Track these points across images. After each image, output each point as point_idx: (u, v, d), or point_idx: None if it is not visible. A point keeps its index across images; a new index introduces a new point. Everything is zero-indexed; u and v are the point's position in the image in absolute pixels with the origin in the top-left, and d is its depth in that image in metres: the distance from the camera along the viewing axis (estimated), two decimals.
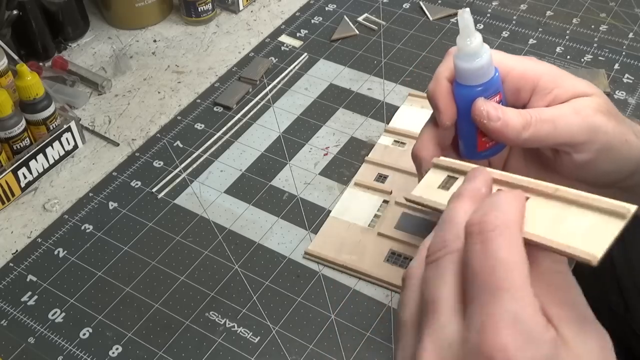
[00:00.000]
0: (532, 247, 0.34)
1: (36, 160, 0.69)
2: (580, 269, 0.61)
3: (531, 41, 0.83)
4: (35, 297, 0.59)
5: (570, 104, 0.48)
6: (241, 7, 0.91)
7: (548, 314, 0.33)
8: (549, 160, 0.51)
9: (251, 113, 0.76)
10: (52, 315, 0.58)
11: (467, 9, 0.46)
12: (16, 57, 0.72)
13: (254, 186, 0.68)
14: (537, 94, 0.49)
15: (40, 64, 0.81)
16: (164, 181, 0.69)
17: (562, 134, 0.47)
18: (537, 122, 0.47)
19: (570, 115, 0.47)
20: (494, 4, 0.89)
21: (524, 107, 0.49)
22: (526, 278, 0.32)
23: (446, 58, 0.51)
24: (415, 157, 0.50)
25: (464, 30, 0.46)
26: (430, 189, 0.45)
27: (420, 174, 0.50)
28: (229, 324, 0.57)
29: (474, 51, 0.46)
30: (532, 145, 0.48)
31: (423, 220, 0.62)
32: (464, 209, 0.37)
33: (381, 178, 0.67)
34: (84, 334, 0.57)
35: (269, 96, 0.77)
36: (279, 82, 0.79)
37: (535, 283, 0.32)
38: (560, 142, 0.48)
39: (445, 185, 0.45)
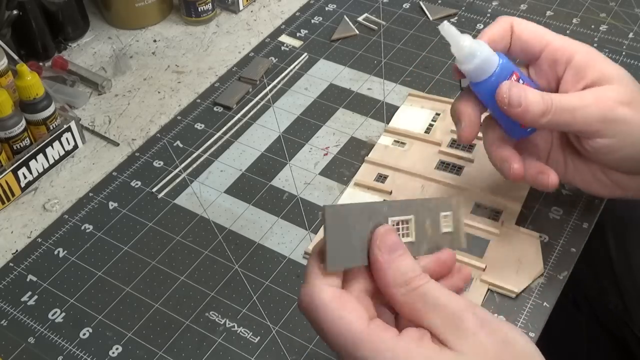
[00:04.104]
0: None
1: (36, 160, 0.69)
2: (579, 271, 0.61)
3: None
4: (35, 297, 0.59)
5: (593, 92, 0.50)
6: (241, 7, 0.91)
7: (422, 323, 0.39)
8: (578, 148, 0.54)
9: (251, 113, 0.76)
10: (52, 315, 0.58)
11: (445, 22, 0.50)
12: (16, 57, 0.72)
13: (254, 186, 0.68)
14: (571, 69, 0.52)
15: (40, 64, 0.81)
16: (164, 181, 0.69)
17: (579, 122, 0.50)
18: (557, 110, 0.49)
19: (590, 105, 0.50)
20: (494, 3, 0.89)
21: (558, 80, 0.53)
22: (346, 322, 0.38)
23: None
24: (455, 110, 0.54)
25: (451, 40, 0.50)
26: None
27: (459, 128, 0.53)
28: (229, 324, 0.57)
29: (469, 52, 0.50)
30: (551, 129, 0.53)
31: None
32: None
33: (381, 178, 0.67)
34: (84, 334, 0.57)
35: (269, 96, 0.77)
36: (279, 82, 0.79)
37: (406, 301, 0.39)
38: (577, 130, 0.51)
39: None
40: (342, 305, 0.38)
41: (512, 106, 0.49)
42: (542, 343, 0.53)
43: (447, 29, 0.49)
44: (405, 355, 0.36)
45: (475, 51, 0.49)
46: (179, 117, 0.76)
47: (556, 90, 0.53)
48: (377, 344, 0.37)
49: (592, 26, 0.85)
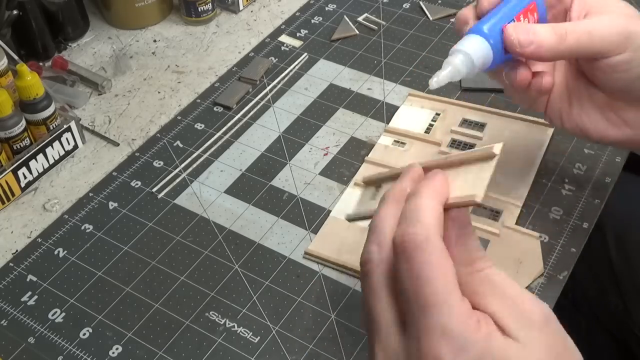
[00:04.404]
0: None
1: (36, 160, 0.69)
2: (579, 272, 0.61)
3: None
4: (35, 297, 0.59)
5: (604, 14, 0.51)
6: (241, 7, 0.91)
7: (484, 308, 0.36)
8: (591, 76, 0.53)
9: (251, 113, 0.76)
10: (52, 315, 0.58)
11: (432, 80, 0.50)
12: (16, 57, 0.72)
13: (254, 186, 0.68)
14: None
15: (40, 64, 0.81)
16: (164, 181, 0.69)
17: (596, 42, 0.50)
18: (572, 36, 0.49)
19: (605, 24, 0.50)
20: None
21: (566, 10, 0.53)
22: (452, 288, 0.35)
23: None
24: (459, 17, 0.54)
25: (451, 79, 0.50)
26: (365, 204, 0.48)
27: (459, 31, 0.54)
28: (229, 324, 0.57)
29: (468, 70, 0.50)
30: (570, 57, 0.52)
31: None
32: (389, 213, 0.39)
33: None
34: (84, 334, 0.57)
35: (269, 96, 0.77)
36: (279, 82, 0.79)
37: (468, 281, 0.36)
38: (596, 51, 0.50)
39: (374, 196, 0.48)
40: (451, 266, 0.36)
41: (524, 45, 0.49)
42: None
43: (441, 81, 0.50)
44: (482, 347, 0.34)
45: (470, 63, 0.49)
46: (179, 117, 0.76)
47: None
48: (462, 317, 0.35)
49: None
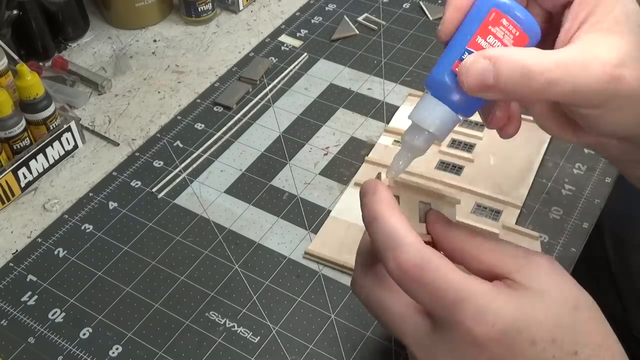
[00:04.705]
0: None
1: (36, 160, 0.69)
2: (577, 273, 0.61)
3: None
4: (35, 297, 0.59)
5: (590, 52, 0.36)
6: (241, 7, 0.91)
7: (500, 271, 0.39)
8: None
9: (251, 113, 0.76)
10: (52, 315, 0.58)
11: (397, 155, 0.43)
12: (16, 57, 0.72)
13: (254, 186, 0.68)
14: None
15: (40, 64, 0.81)
16: (164, 181, 0.69)
17: (580, 96, 0.37)
18: (549, 74, 0.35)
19: (584, 71, 0.36)
20: None
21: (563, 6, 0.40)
22: (391, 205, 0.40)
23: None
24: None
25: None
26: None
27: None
28: (229, 324, 0.57)
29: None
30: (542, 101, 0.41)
31: None
32: (365, 238, 0.44)
33: None
34: (84, 334, 0.57)
35: (269, 96, 0.77)
36: (279, 82, 0.79)
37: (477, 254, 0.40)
38: (578, 104, 0.38)
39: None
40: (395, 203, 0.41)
41: (475, 92, 0.37)
42: None
43: (400, 170, 0.42)
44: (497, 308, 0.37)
45: (429, 136, 0.40)
46: (179, 117, 0.76)
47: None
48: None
49: None
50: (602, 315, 0.40)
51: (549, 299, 0.38)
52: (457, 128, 0.70)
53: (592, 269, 0.72)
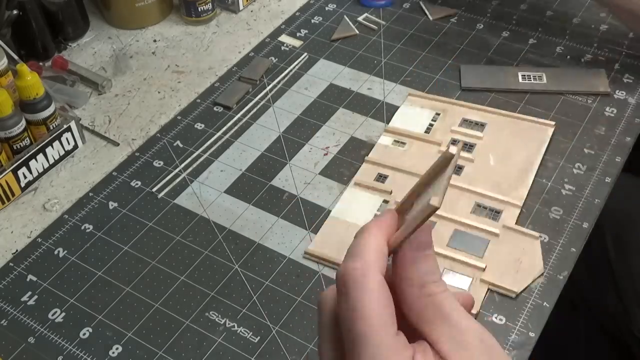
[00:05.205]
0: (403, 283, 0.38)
1: (36, 160, 0.69)
2: (577, 273, 0.61)
3: (531, 41, 0.83)
4: (35, 297, 0.59)
5: None
6: (241, 7, 0.91)
7: (428, 334, 0.36)
8: None
9: (251, 113, 0.76)
10: (52, 315, 0.58)
11: None
12: (16, 57, 0.72)
13: (254, 186, 0.68)
14: None
15: (40, 63, 0.81)
16: (164, 181, 0.69)
17: None
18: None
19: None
20: (493, 3, 0.89)
21: None
22: (385, 322, 0.35)
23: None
24: None
25: None
26: None
27: None
28: (229, 324, 0.57)
29: None
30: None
31: None
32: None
33: (381, 178, 0.67)
34: (84, 334, 0.57)
35: (269, 96, 0.77)
36: (279, 82, 0.79)
37: (415, 304, 0.37)
38: None
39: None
40: (387, 301, 0.36)
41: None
42: (540, 345, 0.53)
43: None
44: None
45: None
46: (179, 117, 0.76)
47: None
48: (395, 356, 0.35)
49: (592, 26, 0.85)
50: None
51: None
52: (457, 128, 0.70)
53: (591, 269, 0.72)
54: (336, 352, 0.38)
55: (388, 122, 0.73)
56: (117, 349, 0.55)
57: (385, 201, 0.64)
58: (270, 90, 0.78)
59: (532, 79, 0.76)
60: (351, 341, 0.35)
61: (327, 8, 0.90)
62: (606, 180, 0.66)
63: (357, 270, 0.36)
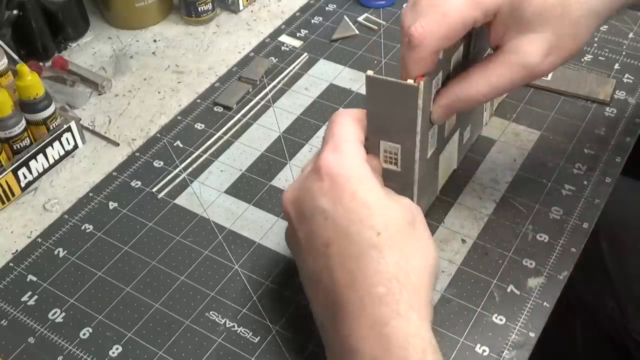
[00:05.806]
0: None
1: (36, 160, 0.69)
2: (574, 274, 0.61)
3: None
4: (35, 297, 0.59)
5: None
6: (241, 7, 0.91)
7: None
8: None
9: (251, 113, 0.76)
10: (52, 315, 0.58)
11: None
12: (16, 57, 0.72)
13: (254, 186, 0.68)
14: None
15: (40, 64, 0.81)
16: (164, 181, 0.69)
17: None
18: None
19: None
20: None
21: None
22: (353, 134, 0.50)
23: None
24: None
25: None
26: None
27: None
28: (229, 324, 0.57)
29: None
30: None
31: None
32: None
33: None
34: (84, 334, 0.57)
35: (269, 96, 0.77)
36: (279, 82, 0.79)
37: None
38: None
39: None
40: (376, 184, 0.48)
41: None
42: (538, 347, 0.53)
43: None
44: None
45: None
46: (179, 117, 0.76)
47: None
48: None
49: None
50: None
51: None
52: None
53: (588, 271, 0.72)
54: None
55: None
56: (117, 349, 0.55)
57: None
58: (271, 90, 0.78)
59: None
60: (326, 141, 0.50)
61: (327, 8, 0.90)
62: (606, 180, 0.66)
63: (337, 165, 0.49)
